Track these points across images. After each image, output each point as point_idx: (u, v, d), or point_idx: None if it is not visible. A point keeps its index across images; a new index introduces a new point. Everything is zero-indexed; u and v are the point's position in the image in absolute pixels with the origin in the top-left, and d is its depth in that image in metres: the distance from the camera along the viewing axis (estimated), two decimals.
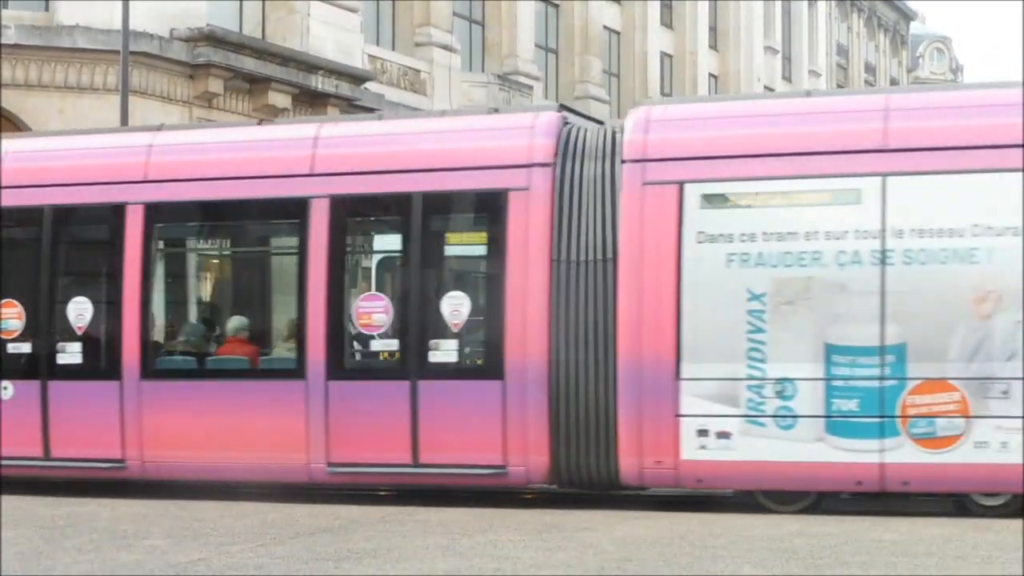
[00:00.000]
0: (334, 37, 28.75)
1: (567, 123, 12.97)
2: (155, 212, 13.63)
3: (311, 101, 27.65)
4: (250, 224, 14.52)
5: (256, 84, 26.41)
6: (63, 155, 14.39)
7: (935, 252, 11.66)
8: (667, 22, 46.47)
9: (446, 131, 13.54)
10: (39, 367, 13.72)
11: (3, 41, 23.09)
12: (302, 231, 13.18)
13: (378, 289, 13.79)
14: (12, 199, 13.95)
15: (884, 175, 11.87)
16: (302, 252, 13.16)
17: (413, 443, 12.68)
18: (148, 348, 13.59)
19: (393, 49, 32.68)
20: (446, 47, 33.50)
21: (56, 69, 23.78)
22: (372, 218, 14.15)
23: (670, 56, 46.75)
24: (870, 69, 67.93)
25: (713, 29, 49.82)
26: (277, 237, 14.98)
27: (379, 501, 13.00)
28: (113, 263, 13.67)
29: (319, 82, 27.54)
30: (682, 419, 12.04)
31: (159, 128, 14.71)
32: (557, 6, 40.22)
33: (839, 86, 58.71)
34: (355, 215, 13.59)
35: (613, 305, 12.24)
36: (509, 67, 36.32)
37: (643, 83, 44.02)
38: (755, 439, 11.91)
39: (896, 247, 11.72)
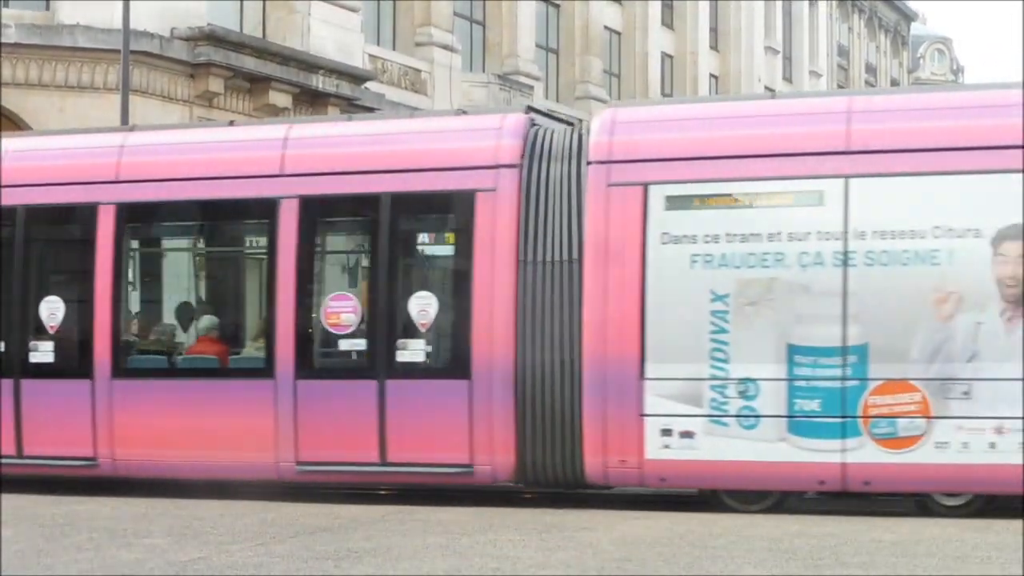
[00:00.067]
0: (335, 37, 28.80)
1: (534, 124, 13.04)
2: (127, 212, 13.72)
3: (312, 101, 27.70)
4: (221, 224, 14.65)
5: (256, 84, 26.46)
6: (37, 155, 14.47)
7: (897, 253, 11.71)
8: (668, 22, 46.47)
9: (415, 132, 13.64)
10: (12, 366, 13.81)
11: (3, 40, 23.13)
12: (272, 231, 13.25)
13: (347, 289, 13.85)
14: None
15: (847, 177, 11.92)
16: (272, 252, 13.25)
17: (381, 442, 12.74)
18: (119, 347, 13.68)
19: (394, 49, 32.75)
20: (447, 47, 33.56)
21: (56, 68, 23.81)
22: (341, 218, 14.21)
23: (671, 56, 46.76)
24: (871, 70, 67.78)
25: (714, 29, 49.81)
26: (248, 237, 15.06)
27: (379, 500, 13.05)
28: (85, 263, 13.75)
29: (320, 82, 27.59)
30: (646, 419, 12.09)
31: (131, 128, 14.83)
32: (558, 6, 40.25)
33: (840, 87, 58.50)
34: (324, 215, 13.66)
35: (579, 305, 12.30)
36: (509, 67, 36.36)
37: (643, 83, 44.03)
38: (718, 439, 11.96)
39: (858, 248, 11.76)
